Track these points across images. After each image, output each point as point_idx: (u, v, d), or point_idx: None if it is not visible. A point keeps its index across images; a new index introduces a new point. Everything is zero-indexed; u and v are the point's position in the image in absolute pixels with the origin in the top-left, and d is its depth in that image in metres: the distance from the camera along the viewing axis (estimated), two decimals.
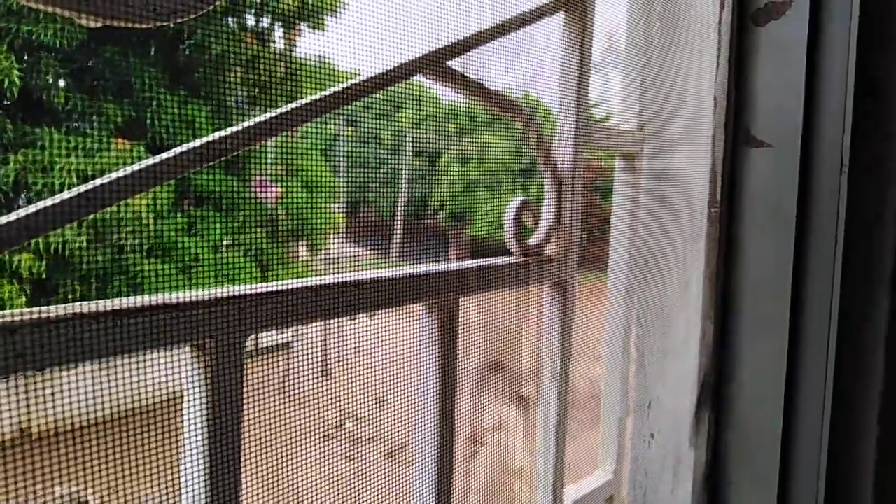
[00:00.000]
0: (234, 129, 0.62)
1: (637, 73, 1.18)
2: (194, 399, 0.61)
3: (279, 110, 0.66)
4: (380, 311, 0.77)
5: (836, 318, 0.97)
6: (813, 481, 1.02)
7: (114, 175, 0.57)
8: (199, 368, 0.61)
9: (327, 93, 0.71)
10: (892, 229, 0.97)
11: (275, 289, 0.65)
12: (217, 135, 0.61)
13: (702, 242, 1.07)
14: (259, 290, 0.64)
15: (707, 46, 1.05)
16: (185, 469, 0.63)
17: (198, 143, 0.61)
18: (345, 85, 0.71)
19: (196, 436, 0.61)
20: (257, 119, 0.64)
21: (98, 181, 0.56)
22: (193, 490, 0.63)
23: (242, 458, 0.67)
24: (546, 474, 1.13)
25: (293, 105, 0.67)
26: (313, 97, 0.69)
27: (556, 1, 1.00)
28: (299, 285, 0.68)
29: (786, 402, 1.01)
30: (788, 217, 0.99)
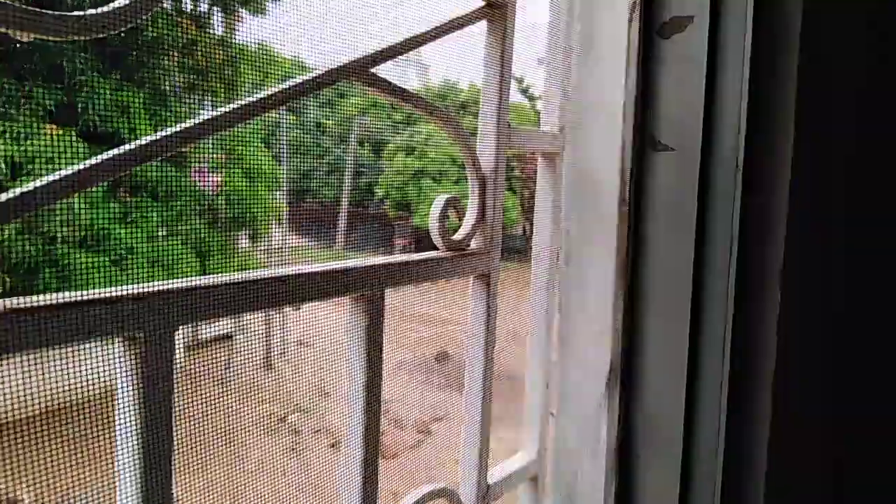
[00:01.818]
0: (180, 126, 0.66)
1: (558, 78, 1.25)
2: (126, 389, 0.65)
3: (217, 111, 0.70)
4: (305, 304, 0.82)
5: (731, 306, 1.06)
6: (713, 453, 1.12)
7: (58, 174, 0.60)
8: (130, 359, 0.65)
9: (260, 95, 0.75)
10: (781, 224, 1.07)
11: (203, 283, 0.70)
12: (162, 133, 0.65)
13: (613, 237, 1.16)
14: (187, 285, 0.68)
15: (618, 56, 1.13)
16: (119, 460, 0.67)
17: (144, 141, 0.64)
18: (272, 91, 0.76)
19: (128, 425, 0.65)
20: (198, 119, 0.68)
21: (41, 181, 0.59)
22: (128, 480, 0.67)
23: (175, 448, 0.71)
24: (472, 456, 1.20)
25: (231, 107, 0.71)
26: (244, 102, 0.73)
27: (479, 10, 1.06)
28: (227, 280, 0.72)
29: (687, 382, 1.11)
30: (689, 214, 1.08)
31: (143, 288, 0.64)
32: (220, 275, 0.73)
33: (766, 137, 1.07)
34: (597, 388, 1.19)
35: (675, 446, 1.13)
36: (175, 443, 0.71)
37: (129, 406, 0.65)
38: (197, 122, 0.70)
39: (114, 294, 0.61)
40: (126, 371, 0.65)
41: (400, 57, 0.95)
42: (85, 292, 0.61)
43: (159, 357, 0.66)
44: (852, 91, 1.23)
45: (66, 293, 0.59)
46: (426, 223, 1.09)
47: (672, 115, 1.10)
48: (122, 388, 0.65)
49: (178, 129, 0.69)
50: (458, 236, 1.10)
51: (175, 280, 0.69)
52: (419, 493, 1.07)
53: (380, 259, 0.95)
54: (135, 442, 0.66)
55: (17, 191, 0.57)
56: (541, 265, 1.31)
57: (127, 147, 0.65)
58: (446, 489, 1.13)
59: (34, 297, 0.56)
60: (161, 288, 0.65)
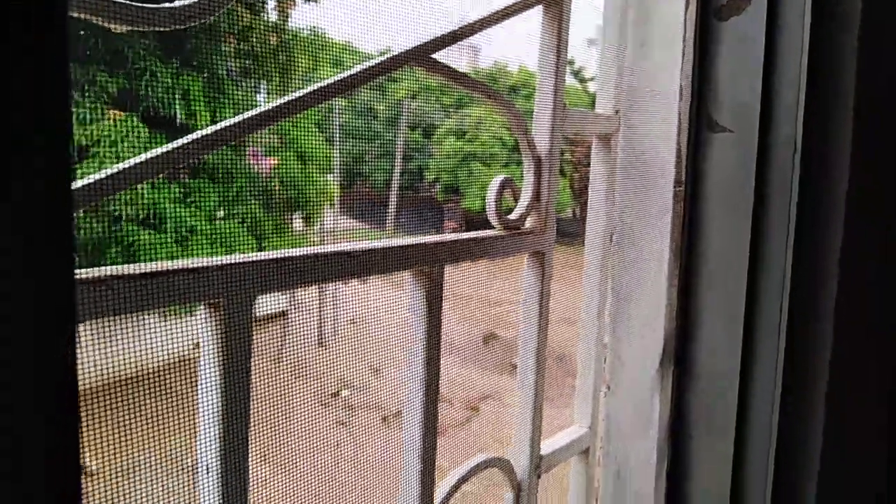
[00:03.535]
0: (244, 116, 0.71)
1: (613, 60, 1.26)
2: (209, 350, 0.71)
3: (283, 100, 0.74)
4: (370, 278, 0.87)
5: (788, 290, 1.07)
6: (767, 436, 1.13)
7: (130, 162, 0.65)
8: (212, 323, 0.70)
9: (318, 86, 0.79)
10: (841, 204, 1.07)
11: (278, 256, 0.75)
12: (228, 122, 0.70)
13: (668, 218, 1.17)
14: (264, 257, 0.73)
15: (675, 39, 1.13)
16: (201, 417, 0.73)
17: (210, 130, 0.69)
18: (333, 79, 0.80)
19: (210, 384, 0.71)
20: (260, 109, 0.73)
21: (113, 169, 0.64)
22: (208, 440, 0.73)
23: (251, 412, 0.76)
24: (525, 429, 1.23)
25: (296, 95, 0.76)
26: (306, 91, 0.77)
27: None
28: (299, 253, 0.77)
29: (742, 364, 1.12)
30: (746, 196, 1.08)
31: (225, 259, 0.70)
32: (293, 249, 0.78)
33: (825, 120, 1.06)
34: (650, 368, 1.21)
35: (729, 427, 1.14)
36: (252, 404, 0.76)
37: (211, 366, 0.71)
38: (265, 109, 0.74)
39: (200, 264, 0.67)
40: (209, 333, 0.71)
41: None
42: (174, 262, 0.66)
43: (239, 321, 0.71)
44: None
45: (158, 262, 0.65)
46: (475, 206, 1.12)
47: (729, 97, 1.10)
48: (205, 348, 0.71)
49: (248, 115, 0.74)
50: (513, 216, 1.13)
51: (253, 254, 0.74)
52: (474, 461, 1.11)
53: (439, 237, 0.98)
54: (216, 399, 0.71)
55: (92, 178, 0.62)
56: (594, 246, 1.33)
57: (196, 135, 0.70)
58: (500, 458, 1.17)
59: (132, 266, 0.62)
60: (242, 260, 0.71)
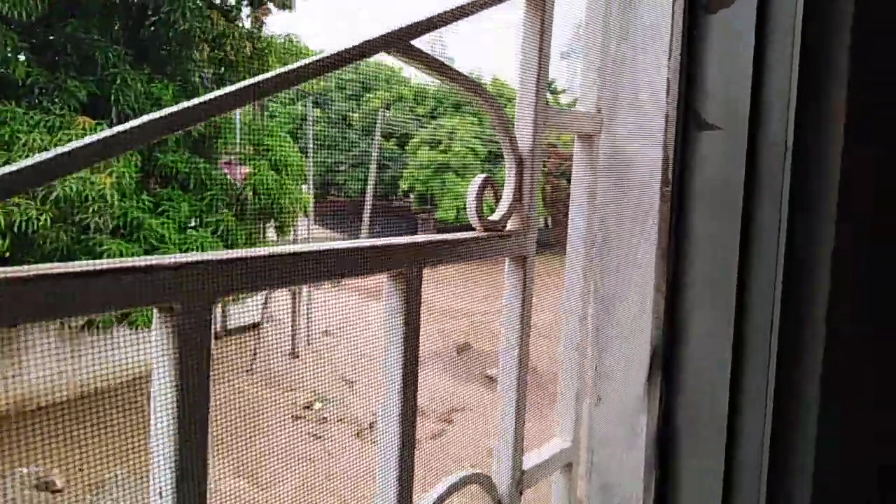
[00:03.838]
0: (199, 100, 0.64)
1: (596, 56, 1.22)
2: (162, 362, 0.64)
3: (246, 83, 0.68)
4: (345, 287, 0.80)
5: (780, 292, 1.02)
6: (758, 446, 1.09)
7: (74, 144, 0.58)
8: (166, 331, 0.63)
9: (293, 66, 0.73)
10: (832, 207, 1.03)
11: (242, 255, 0.68)
12: (181, 106, 0.63)
13: (654, 220, 1.12)
14: (226, 256, 0.66)
15: (662, 32, 1.09)
16: (155, 432, 0.65)
17: (161, 113, 0.63)
18: (310, 60, 0.74)
19: (164, 399, 0.64)
20: (222, 91, 0.66)
21: (57, 150, 0.57)
22: (162, 455, 0.66)
23: (210, 424, 0.69)
24: (506, 442, 1.18)
25: (259, 78, 0.69)
26: (280, 70, 0.71)
27: None
28: (266, 252, 0.71)
29: (732, 372, 1.07)
30: (735, 195, 1.04)
31: (180, 258, 0.63)
32: (257, 248, 0.72)
33: (817, 117, 1.02)
34: (636, 377, 1.16)
35: (719, 438, 1.09)
36: (211, 417, 0.69)
37: (164, 381, 0.64)
38: (239, 87, 0.68)
39: (150, 262, 0.60)
40: (162, 342, 0.64)
41: (427, 43, 0.92)
42: (120, 260, 0.60)
43: (196, 329, 0.64)
44: None
45: (102, 261, 0.58)
46: (449, 216, 1.07)
47: (718, 93, 1.06)
48: (157, 360, 0.64)
49: (209, 97, 0.67)
50: (494, 217, 1.07)
51: (213, 252, 0.68)
52: (454, 477, 1.05)
53: (418, 237, 0.93)
54: (170, 417, 0.64)
55: (33, 160, 0.56)
56: (576, 250, 1.28)
57: (129, 125, 0.63)
58: (481, 474, 1.10)
59: (69, 264, 0.55)
60: (199, 258, 0.64)
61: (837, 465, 1.14)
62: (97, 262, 0.57)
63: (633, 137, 1.16)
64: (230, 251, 0.69)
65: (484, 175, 1.05)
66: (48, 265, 0.55)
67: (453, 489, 1.05)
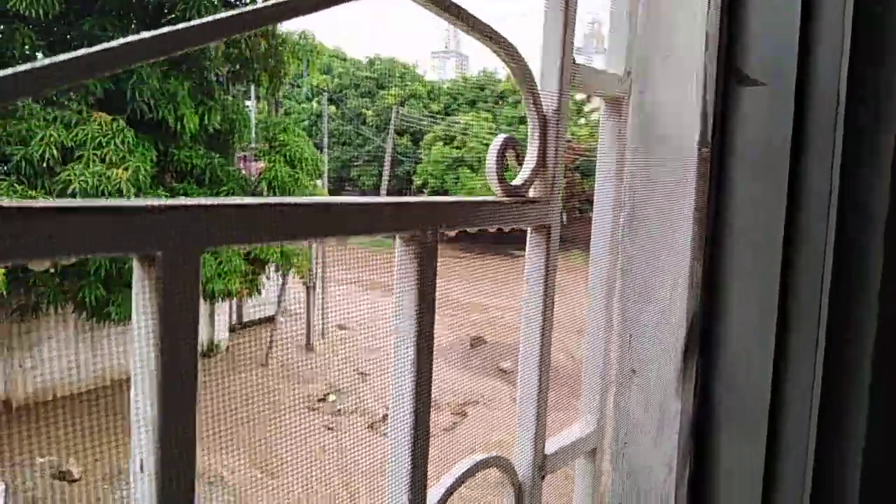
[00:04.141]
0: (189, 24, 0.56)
1: (625, 14, 1.13)
2: (143, 319, 0.56)
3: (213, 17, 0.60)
4: (351, 238, 0.73)
5: (830, 257, 0.93)
6: (804, 430, 0.99)
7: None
8: (146, 285, 0.56)
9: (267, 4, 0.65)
10: (888, 166, 0.94)
11: (234, 202, 0.60)
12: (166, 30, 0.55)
13: (691, 184, 1.03)
14: (216, 202, 0.59)
15: None
16: (135, 398, 0.58)
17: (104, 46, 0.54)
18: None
19: (147, 358, 0.57)
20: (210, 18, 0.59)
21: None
22: (144, 424, 0.58)
23: (200, 391, 0.62)
24: (528, 425, 1.09)
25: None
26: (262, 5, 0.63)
27: None
28: (262, 202, 0.63)
29: (776, 349, 0.98)
30: (782, 155, 0.95)
31: (164, 202, 0.55)
32: (254, 197, 0.64)
33: (873, 68, 0.93)
34: (669, 355, 1.07)
35: (761, 421, 1.00)
36: (199, 393, 0.62)
37: (146, 340, 0.56)
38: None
39: (128, 204, 0.53)
40: (143, 298, 0.56)
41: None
42: (93, 200, 0.52)
43: (182, 283, 0.57)
44: None
45: (70, 199, 0.51)
46: None
47: (763, 45, 0.97)
48: (138, 318, 0.57)
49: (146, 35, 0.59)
50: (516, 182, 0.99)
51: (202, 198, 0.60)
52: (471, 460, 0.97)
53: (434, 198, 0.85)
54: (150, 390, 0.57)
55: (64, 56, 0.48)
56: (602, 221, 1.19)
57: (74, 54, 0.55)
58: (501, 458, 1.02)
59: (25, 200, 0.47)
60: (186, 202, 0.56)
61: (891, 454, 1.05)
62: (63, 200, 0.50)
63: (667, 97, 1.07)
64: (223, 198, 0.61)
65: (506, 135, 0.96)
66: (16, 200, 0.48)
67: (472, 471, 0.97)
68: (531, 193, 1.03)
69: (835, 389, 0.98)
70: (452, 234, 0.90)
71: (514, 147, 0.99)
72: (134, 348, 0.56)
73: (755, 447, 1.02)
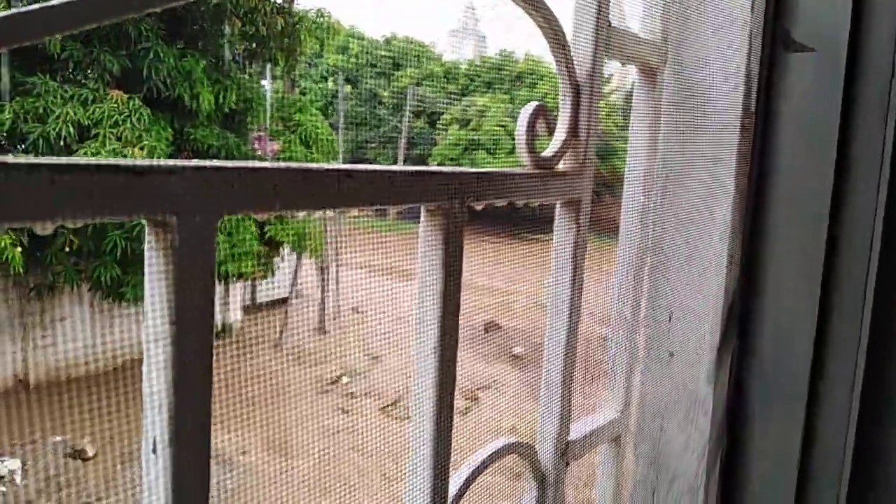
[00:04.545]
0: None
1: None
2: (157, 288, 0.53)
3: None
4: (374, 207, 0.68)
5: (878, 238, 0.88)
6: (843, 420, 0.95)
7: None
8: (160, 250, 0.52)
9: None
10: None
11: (252, 166, 0.56)
12: None
13: (731, 158, 0.98)
14: (233, 165, 0.55)
15: None
16: (148, 374, 0.54)
17: None
18: None
19: (159, 331, 0.53)
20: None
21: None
22: (157, 403, 0.55)
23: (214, 367, 0.58)
24: (551, 410, 1.05)
25: None
26: None
27: None
28: (281, 166, 0.59)
29: (818, 332, 0.93)
30: (831, 127, 0.89)
31: (179, 162, 0.51)
32: (273, 163, 0.60)
33: None
34: (702, 336, 1.03)
35: (798, 409, 0.95)
36: (215, 371, 0.58)
37: (159, 311, 0.53)
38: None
39: (140, 163, 0.49)
40: (156, 266, 0.52)
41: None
42: (100, 159, 0.48)
43: (198, 251, 0.53)
44: None
45: (78, 158, 0.47)
46: None
47: (812, 8, 0.91)
48: (151, 287, 0.53)
49: None
50: (547, 153, 0.94)
51: (219, 161, 0.56)
52: (493, 446, 0.93)
53: (461, 168, 0.80)
54: (166, 355, 0.53)
55: None
56: (633, 196, 1.14)
57: None
58: (524, 444, 0.99)
59: (30, 158, 0.43)
60: (201, 164, 0.52)
61: None
62: (69, 158, 0.46)
63: (707, 65, 1.01)
64: (240, 161, 0.57)
65: (536, 103, 0.91)
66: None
67: (495, 457, 0.93)
68: (561, 166, 0.98)
69: (878, 380, 0.93)
70: (479, 207, 0.86)
71: (545, 116, 0.94)
72: (147, 322, 0.52)
73: (791, 435, 0.97)
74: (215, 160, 0.55)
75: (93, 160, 0.46)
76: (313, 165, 0.62)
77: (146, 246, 0.53)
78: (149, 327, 0.52)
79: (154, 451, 0.53)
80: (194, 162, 0.52)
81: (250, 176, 0.56)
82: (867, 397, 0.94)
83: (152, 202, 0.50)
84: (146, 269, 0.53)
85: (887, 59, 0.88)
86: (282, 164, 0.59)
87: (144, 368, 0.53)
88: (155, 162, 0.49)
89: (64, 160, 0.44)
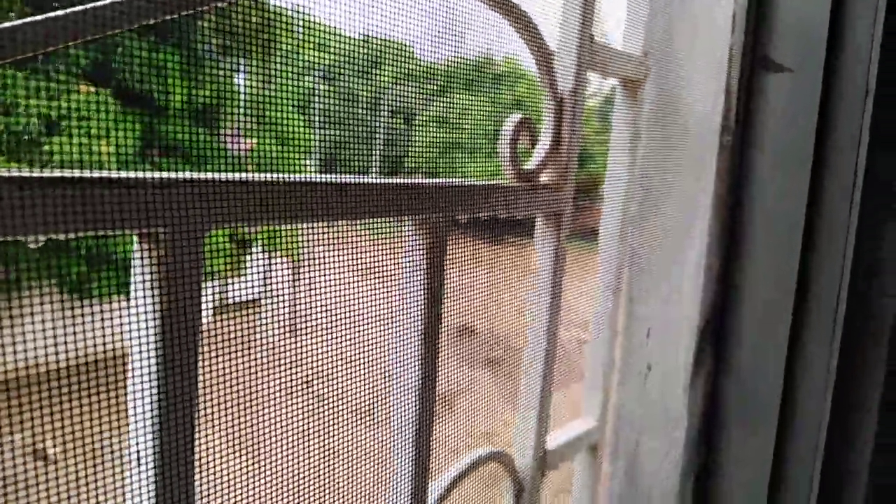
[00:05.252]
0: None
1: None
2: (143, 300, 0.52)
3: None
4: (361, 220, 0.68)
5: (850, 254, 0.90)
6: (814, 431, 0.97)
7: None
8: (147, 264, 0.51)
9: None
10: None
11: (240, 178, 0.56)
12: None
13: (709, 174, 1.00)
14: (222, 178, 0.54)
15: None
16: (133, 387, 0.54)
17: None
18: None
19: (146, 341, 0.52)
20: None
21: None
22: (142, 417, 0.54)
23: (200, 378, 0.58)
24: (529, 419, 1.06)
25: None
26: None
27: None
28: (268, 178, 0.59)
29: (790, 345, 0.95)
30: (807, 144, 0.91)
31: (167, 175, 0.51)
32: (261, 174, 0.60)
33: None
34: (679, 349, 1.04)
35: (772, 420, 0.97)
36: (201, 380, 0.58)
37: (146, 323, 0.52)
38: None
39: (128, 176, 0.48)
40: (143, 279, 0.52)
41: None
42: (91, 172, 0.48)
43: (185, 263, 0.52)
44: None
45: (69, 171, 0.46)
46: None
47: (790, 30, 0.94)
48: (138, 300, 0.52)
49: None
50: (530, 165, 0.95)
51: (209, 174, 0.56)
52: (472, 455, 0.94)
53: (445, 180, 0.80)
54: (152, 365, 0.53)
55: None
56: (612, 209, 1.16)
57: None
58: (503, 453, 0.99)
59: (24, 171, 0.43)
60: (191, 177, 0.52)
61: None
62: (59, 171, 0.45)
63: (687, 82, 1.03)
64: (229, 174, 0.57)
65: (520, 115, 0.92)
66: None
67: (474, 466, 0.93)
68: (543, 178, 0.99)
69: (849, 390, 0.96)
70: (464, 220, 0.86)
71: (528, 128, 0.94)
72: (133, 333, 0.52)
73: (764, 446, 0.99)
74: (205, 174, 0.55)
75: (86, 174, 0.45)
76: (303, 178, 0.62)
77: (134, 257, 0.52)
78: (135, 340, 0.52)
79: (138, 461, 0.53)
80: (185, 175, 0.52)
81: (239, 189, 0.56)
82: (837, 407, 0.97)
83: (142, 215, 0.49)
84: (133, 282, 0.52)
85: (863, 79, 0.90)
86: (271, 177, 0.59)
87: (129, 380, 0.53)
88: (145, 175, 0.49)
89: (57, 175, 0.44)
